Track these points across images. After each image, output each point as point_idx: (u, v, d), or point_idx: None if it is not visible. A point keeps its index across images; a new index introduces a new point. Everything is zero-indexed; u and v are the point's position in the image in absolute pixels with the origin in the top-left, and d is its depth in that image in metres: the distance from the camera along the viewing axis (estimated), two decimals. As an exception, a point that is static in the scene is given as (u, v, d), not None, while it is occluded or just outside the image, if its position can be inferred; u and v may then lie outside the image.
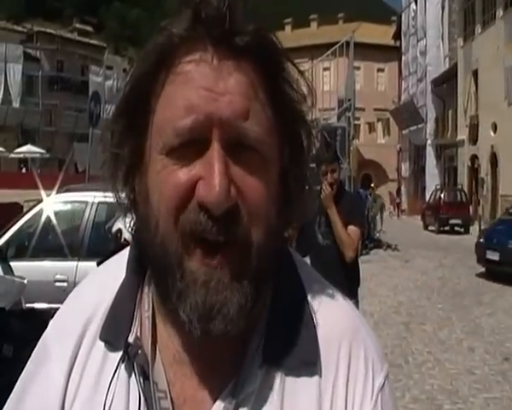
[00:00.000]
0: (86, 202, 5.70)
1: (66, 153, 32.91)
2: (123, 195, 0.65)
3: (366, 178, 38.14)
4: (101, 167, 0.65)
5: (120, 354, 0.64)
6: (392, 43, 44.80)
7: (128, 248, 0.71)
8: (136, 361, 0.63)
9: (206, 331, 0.58)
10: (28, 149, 36.36)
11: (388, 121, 44.56)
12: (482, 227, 16.99)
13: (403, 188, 40.11)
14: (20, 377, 0.70)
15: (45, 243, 5.89)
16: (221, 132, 0.57)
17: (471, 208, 25.65)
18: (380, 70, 47.90)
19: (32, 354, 0.71)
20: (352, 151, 13.71)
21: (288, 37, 46.25)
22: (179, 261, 0.58)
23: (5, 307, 3.59)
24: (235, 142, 0.58)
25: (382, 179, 43.12)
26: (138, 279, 0.68)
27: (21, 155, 36.87)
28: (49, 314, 0.79)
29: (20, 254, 5.61)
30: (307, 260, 3.47)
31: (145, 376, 0.63)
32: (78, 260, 5.40)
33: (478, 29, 27.22)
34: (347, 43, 13.93)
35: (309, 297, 0.68)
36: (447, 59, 33.35)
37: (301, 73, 0.65)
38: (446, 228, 24.08)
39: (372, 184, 25.74)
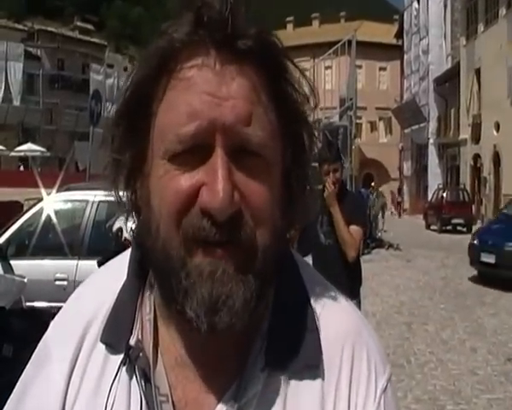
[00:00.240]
0: (87, 201, 5.71)
1: (66, 151, 33.01)
2: (124, 197, 0.65)
3: (368, 177, 38.08)
4: (103, 171, 0.65)
5: (121, 356, 0.64)
6: (394, 41, 44.72)
7: (129, 250, 0.71)
8: (137, 364, 0.63)
9: (212, 325, 0.58)
10: (29, 147, 36.44)
11: (390, 120, 44.57)
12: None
13: (405, 187, 40.06)
14: (21, 378, 0.70)
15: (45, 242, 5.90)
16: (224, 138, 0.57)
17: (473, 208, 25.64)
18: (382, 69, 47.84)
19: (33, 356, 0.71)
20: (353, 150, 13.73)
21: (290, 35, 46.32)
22: (183, 263, 0.58)
23: (5, 306, 3.59)
24: (239, 147, 0.57)
25: (384, 178, 43.05)
26: (139, 282, 0.68)
27: (22, 154, 36.93)
28: (49, 314, 0.78)
29: (21, 253, 5.62)
30: (308, 259, 3.47)
31: (146, 379, 0.63)
32: (79, 258, 5.41)
33: (480, 28, 27.19)
34: (349, 41, 13.94)
35: (311, 299, 0.67)
36: (450, 58, 33.33)
37: (303, 74, 0.65)
38: (448, 227, 24.02)
39: (373, 183, 25.65)
